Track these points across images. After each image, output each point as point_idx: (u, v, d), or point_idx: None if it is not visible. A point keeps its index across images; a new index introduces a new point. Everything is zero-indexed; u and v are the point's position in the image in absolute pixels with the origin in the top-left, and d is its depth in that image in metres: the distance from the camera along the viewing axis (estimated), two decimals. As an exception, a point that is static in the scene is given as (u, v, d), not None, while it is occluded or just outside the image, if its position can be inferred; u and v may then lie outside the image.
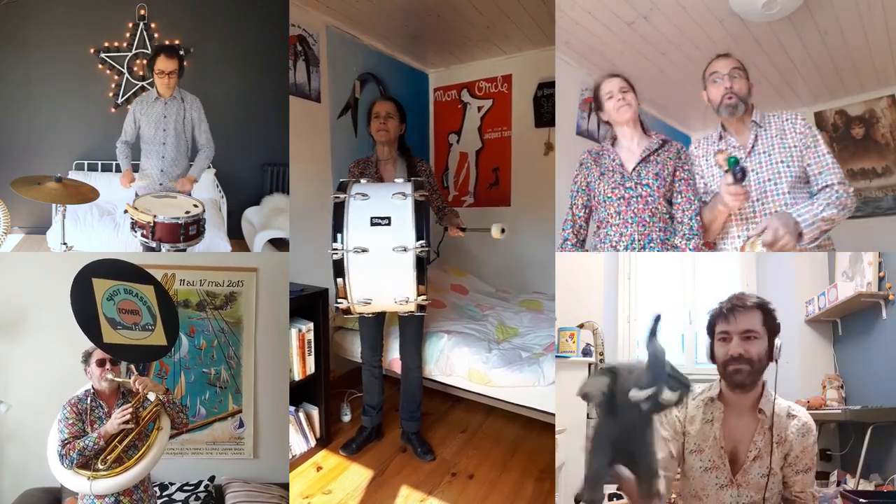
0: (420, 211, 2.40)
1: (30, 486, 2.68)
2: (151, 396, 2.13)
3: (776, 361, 1.73)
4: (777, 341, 1.71)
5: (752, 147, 2.36)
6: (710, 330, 1.79)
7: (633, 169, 2.39)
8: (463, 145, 5.50)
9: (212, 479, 2.85)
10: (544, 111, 4.96)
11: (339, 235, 2.35)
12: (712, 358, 1.80)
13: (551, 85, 4.84)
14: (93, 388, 2.16)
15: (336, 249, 2.34)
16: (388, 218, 2.37)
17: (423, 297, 2.44)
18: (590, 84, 4.20)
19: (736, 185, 2.14)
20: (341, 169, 4.21)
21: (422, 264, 2.37)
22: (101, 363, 2.12)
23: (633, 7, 3.20)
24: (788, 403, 1.78)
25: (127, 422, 2.03)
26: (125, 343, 2.08)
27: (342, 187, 2.46)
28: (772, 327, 1.73)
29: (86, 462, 2.01)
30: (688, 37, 3.43)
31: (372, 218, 2.38)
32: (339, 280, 2.38)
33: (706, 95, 2.43)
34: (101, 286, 2.06)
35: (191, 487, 2.77)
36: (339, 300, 2.44)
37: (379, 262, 2.37)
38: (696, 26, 3.32)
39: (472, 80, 5.38)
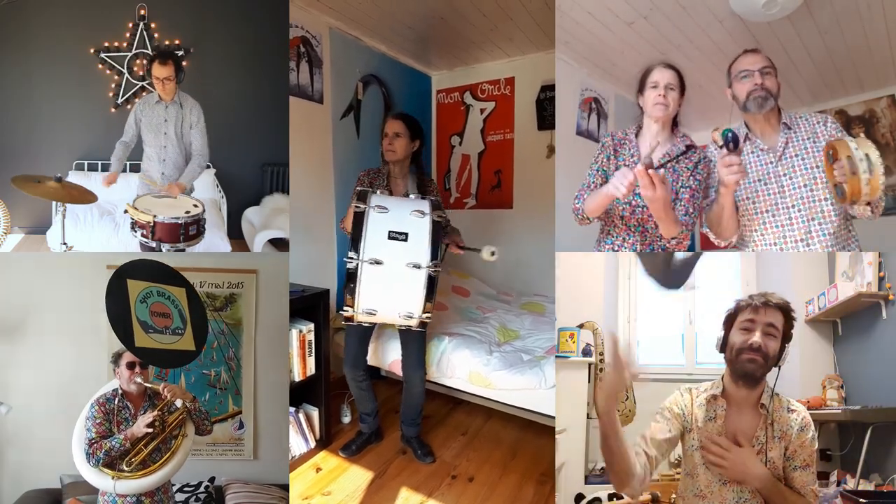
0: (436, 231, 2.43)
1: (30, 487, 2.67)
2: (178, 403, 2.18)
3: (780, 367, 1.77)
4: (788, 347, 1.76)
5: (783, 151, 2.25)
6: (730, 320, 1.80)
7: None
8: (465, 147, 5.49)
9: (212, 480, 2.84)
10: (547, 114, 4.94)
11: (356, 245, 2.36)
12: (723, 348, 1.81)
13: (554, 88, 4.82)
14: (121, 388, 2.19)
15: (351, 258, 2.36)
16: (406, 234, 2.40)
17: (428, 314, 2.45)
18: (590, 84, 4.20)
19: (730, 156, 2.02)
20: (343, 170, 4.22)
21: (433, 283, 2.39)
22: (130, 366, 2.15)
23: (633, 7, 3.20)
24: (788, 399, 1.81)
25: (152, 426, 2.07)
26: (156, 347, 2.11)
27: (362, 197, 2.47)
28: (787, 333, 1.77)
29: (111, 462, 2.05)
30: (688, 37, 3.43)
31: (390, 232, 2.39)
32: (350, 288, 2.39)
33: (730, 93, 2.31)
34: (135, 288, 2.09)
35: (191, 488, 2.76)
36: (346, 307, 2.46)
37: (392, 275, 2.38)
38: (696, 26, 3.31)
39: (474, 83, 5.37)
